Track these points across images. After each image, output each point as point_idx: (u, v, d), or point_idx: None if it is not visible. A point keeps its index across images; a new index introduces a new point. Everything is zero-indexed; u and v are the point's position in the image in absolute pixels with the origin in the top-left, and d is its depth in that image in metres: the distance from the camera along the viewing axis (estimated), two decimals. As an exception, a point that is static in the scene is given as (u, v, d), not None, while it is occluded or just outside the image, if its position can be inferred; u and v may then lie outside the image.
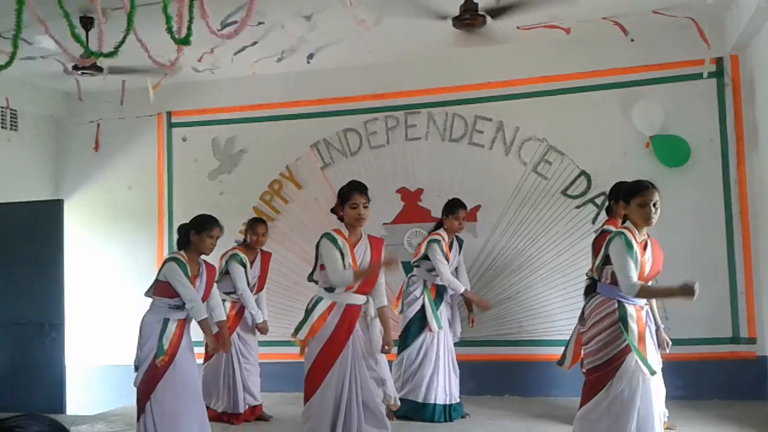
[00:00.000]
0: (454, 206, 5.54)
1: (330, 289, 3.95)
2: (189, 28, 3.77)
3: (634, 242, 3.57)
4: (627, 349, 3.56)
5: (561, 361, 4.15)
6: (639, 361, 3.54)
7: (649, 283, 3.66)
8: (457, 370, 5.54)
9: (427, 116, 6.76)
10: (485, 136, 6.60)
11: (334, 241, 3.91)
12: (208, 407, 5.65)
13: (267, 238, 5.87)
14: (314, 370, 3.91)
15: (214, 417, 5.62)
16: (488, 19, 5.40)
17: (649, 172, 6.06)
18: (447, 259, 5.44)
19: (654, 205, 3.64)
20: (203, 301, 4.40)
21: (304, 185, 7.06)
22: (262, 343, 5.98)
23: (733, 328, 5.91)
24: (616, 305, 3.64)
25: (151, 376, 4.29)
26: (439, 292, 5.51)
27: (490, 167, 6.54)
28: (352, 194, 3.95)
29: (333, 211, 4.11)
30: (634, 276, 3.51)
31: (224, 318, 4.69)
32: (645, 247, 3.66)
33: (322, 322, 3.90)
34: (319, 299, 3.98)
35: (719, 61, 6.02)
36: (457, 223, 5.51)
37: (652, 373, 3.53)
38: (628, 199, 3.73)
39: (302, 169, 7.07)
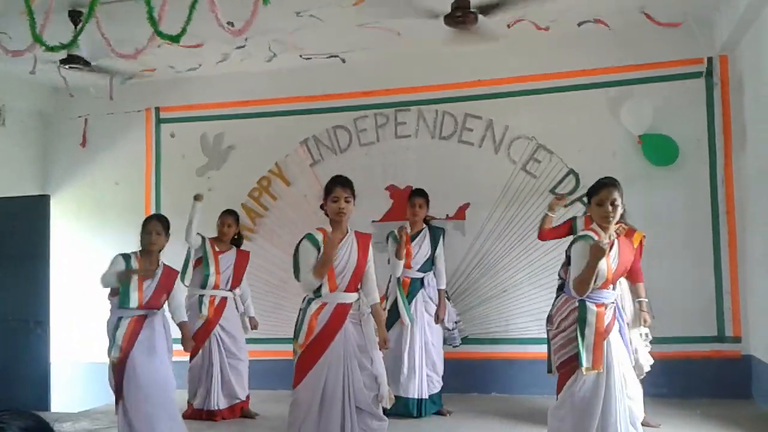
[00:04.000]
0: (410, 195, 5.69)
1: (318, 289, 3.92)
2: (184, 29, 3.76)
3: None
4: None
5: (549, 369, 4.10)
6: (581, 355, 3.54)
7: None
8: (436, 366, 5.53)
9: (417, 114, 6.76)
10: (475, 134, 6.61)
11: (314, 241, 3.89)
12: (188, 402, 5.67)
13: (234, 229, 5.85)
14: (302, 360, 3.89)
15: (193, 414, 5.60)
16: (479, 17, 5.41)
17: (637, 171, 6.11)
18: (408, 252, 5.51)
19: (612, 203, 3.58)
20: (159, 306, 4.51)
21: (293, 182, 7.04)
22: (249, 341, 5.96)
23: (719, 327, 5.95)
24: (578, 304, 3.66)
25: (115, 375, 4.37)
26: (413, 286, 5.52)
27: (480, 165, 6.55)
28: (333, 188, 3.94)
29: (321, 207, 4.09)
30: (575, 278, 3.55)
31: (185, 319, 4.74)
32: (611, 248, 3.63)
33: (315, 321, 3.87)
34: (310, 299, 3.94)
35: (708, 61, 6.04)
36: (409, 212, 5.64)
37: (586, 369, 3.54)
38: (588, 198, 3.72)
39: (291, 165, 7.05)
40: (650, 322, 4.89)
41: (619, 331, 3.72)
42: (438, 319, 5.56)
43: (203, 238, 5.75)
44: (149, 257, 4.55)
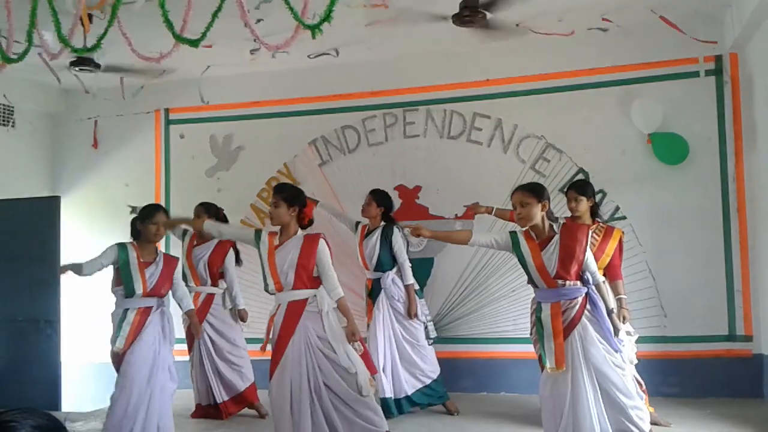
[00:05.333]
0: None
1: (272, 293, 4.13)
2: (204, 34, 3.79)
3: (520, 241, 3.72)
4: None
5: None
6: (542, 355, 3.64)
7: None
8: (415, 360, 5.48)
9: (425, 113, 6.76)
10: (483, 133, 6.60)
11: (257, 236, 4.15)
12: (198, 404, 5.68)
13: (202, 222, 5.75)
14: (271, 358, 4.06)
15: (202, 413, 5.62)
16: (488, 15, 5.40)
17: (647, 169, 6.09)
18: (361, 252, 5.63)
19: (521, 205, 3.70)
20: (163, 293, 4.57)
21: (302, 182, 7.02)
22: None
23: (730, 326, 5.91)
24: (535, 306, 3.77)
25: (115, 363, 4.46)
26: (374, 287, 5.55)
27: (488, 165, 6.54)
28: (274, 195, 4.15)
29: None
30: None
31: (192, 308, 4.87)
32: (546, 245, 3.66)
33: (272, 321, 4.08)
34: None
35: (718, 58, 6.01)
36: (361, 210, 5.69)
37: (550, 369, 3.60)
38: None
39: (300, 166, 7.06)
40: (629, 318, 4.79)
41: (596, 323, 3.65)
42: (411, 314, 5.49)
43: (184, 232, 5.80)
44: (147, 247, 4.60)
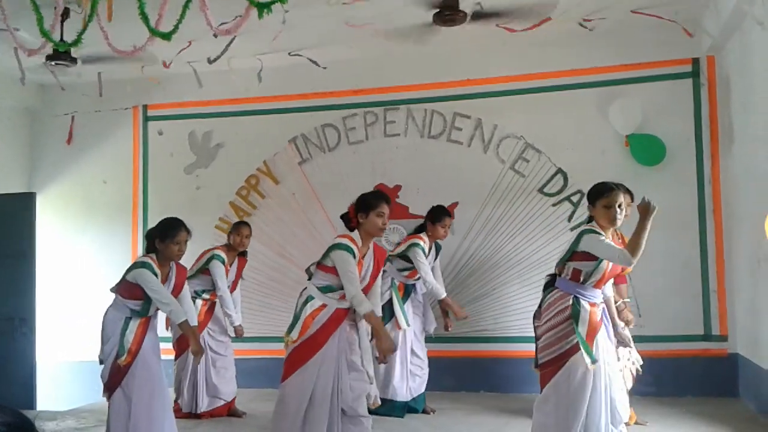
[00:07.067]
0: (440, 214, 5.55)
1: (323, 289, 3.89)
2: (176, 26, 3.75)
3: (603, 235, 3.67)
4: (577, 346, 3.60)
5: (536, 364, 4.06)
6: (582, 350, 3.57)
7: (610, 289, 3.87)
8: (419, 367, 5.53)
9: (406, 112, 6.75)
10: (464, 133, 6.61)
11: (353, 253, 3.83)
12: (175, 401, 5.63)
13: (250, 240, 5.75)
14: (293, 356, 3.87)
15: (180, 416, 5.56)
16: (469, 16, 5.41)
17: (625, 170, 6.13)
18: None
19: (619, 206, 3.68)
20: None
21: (281, 180, 7.01)
22: (236, 339, 5.92)
23: (705, 326, 5.98)
24: (572, 301, 3.68)
25: (114, 375, 4.25)
26: (407, 291, 5.53)
27: (468, 164, 6.56)
28: (380, 203, 3.90)
29: (345, 216, 3.99)
30: (618, 251, 3.58)
31: (195, 323, 4.55)
32: None
33: (311, 320, 3.86)
34: (310, 298, 3.91)
35: (695, 61, 6.08)
36: (443, 231, 5.53)
37: (593, 361, 3.57)
38: (594, 200, 3.75)
39: (280, 164, 7.02)
40: (633, 323, 4.82)
41: (606, 331, 3.76)
42: (451, 324, 5.56)
43: (222, 260, 5.55)
44: (164, 263, 4.28)
